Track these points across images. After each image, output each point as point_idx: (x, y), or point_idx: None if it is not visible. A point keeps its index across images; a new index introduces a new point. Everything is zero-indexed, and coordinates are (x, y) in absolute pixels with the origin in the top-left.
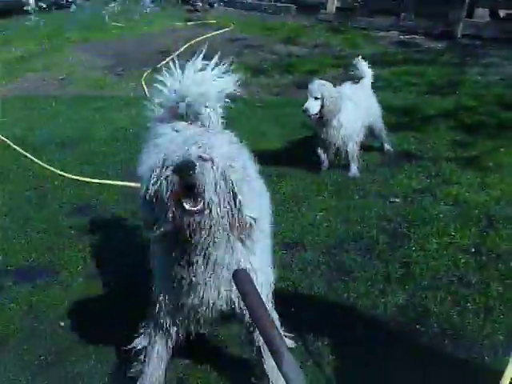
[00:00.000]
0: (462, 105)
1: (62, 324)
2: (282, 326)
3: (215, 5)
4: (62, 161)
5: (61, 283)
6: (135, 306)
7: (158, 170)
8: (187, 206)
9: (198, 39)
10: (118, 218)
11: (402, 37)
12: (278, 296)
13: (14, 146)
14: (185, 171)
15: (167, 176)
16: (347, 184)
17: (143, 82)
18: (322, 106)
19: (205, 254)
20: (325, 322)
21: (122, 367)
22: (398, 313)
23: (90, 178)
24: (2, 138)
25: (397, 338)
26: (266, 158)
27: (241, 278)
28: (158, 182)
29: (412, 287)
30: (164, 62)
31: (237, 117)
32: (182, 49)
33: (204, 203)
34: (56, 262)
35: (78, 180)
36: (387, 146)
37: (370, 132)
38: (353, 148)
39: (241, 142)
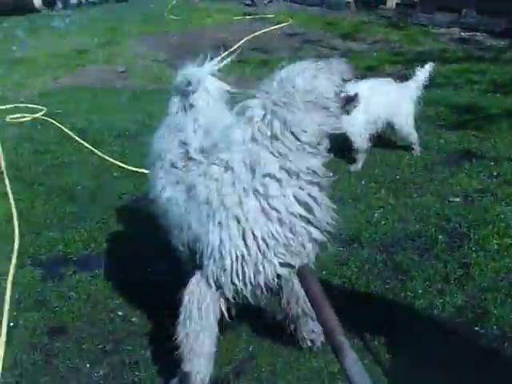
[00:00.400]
0: None
1: (120, 313)
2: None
3: None
4: (121, 153)
5: (119, 273)
6: None
7: None
8: None
9: (256, 33)
10: None
11: (463, 34)
12: (336, 292)
13: (75, 137)
14: None
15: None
16: (405, 182)
17: None
18: None
19: None
20: (381, 321)
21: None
22: (456, 314)
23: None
24: (64, 128)
25: (454, 340)
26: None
27: (305, 275)
28: None
29: (471, 288)
30: (222, 56)
31: None
32: (240, 43)
33: None
34: (115, 252)
35: (137, 172)
36: (414, 147)
37: (391, 130)
38: (360, 143)
39: None
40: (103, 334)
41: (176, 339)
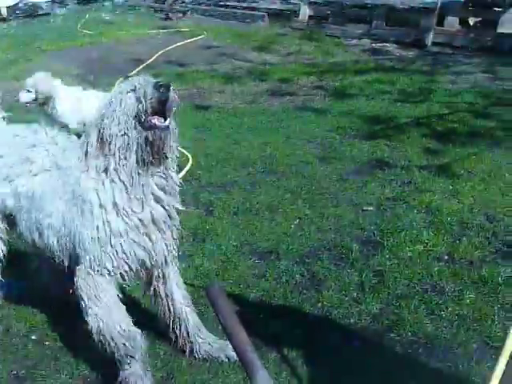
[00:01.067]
0: (434, 113)
1: (34, 337)
2: (255, 335)
3: (188, 13)
4: None
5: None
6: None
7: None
8: (157, 122)
9: (170, 47)
10: None
11: (374, 45)
12: (252, 305)
13: None
14: (164, 87)
15: (145, 91)
16: (321, 193)
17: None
18: None
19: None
20: (299, 333)
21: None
22: (372, 321)
23: None
24: None
25: (371, 347)
26: (239, 168)
27: (213, 293)
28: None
29: (386, 296)
30: (136, 71)
31: (210, 124)
32: (154, 57)
33: (170, 121)
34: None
35: None
36: None
37: None
38: None
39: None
40: (16, 360)
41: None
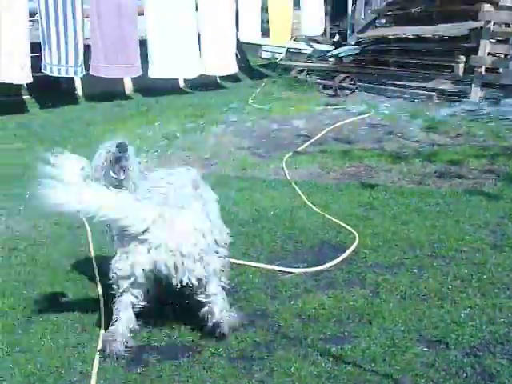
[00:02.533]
0: None
1: None
2: None
3: (356, 90)
4: None
5: (202, 363)
6: None
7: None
8: (113, 175)
9: (338, 124)
10: (255, 300)
11: None
12: None
13: None
14: (122, 146)
15: (109, 149)
16: (493, 282)
17: (284, 165)
18: None
19: None
20: None
21: None
22: None
23: (232, 258)
24: None
25: None
26: (407, 250)
27: None
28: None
29: None
30: (304, 146)
31: (377, 203)
32: (322, 133)
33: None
34: (197, 342)
35: None
36: None
37: None
38: None
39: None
40: None
41: None
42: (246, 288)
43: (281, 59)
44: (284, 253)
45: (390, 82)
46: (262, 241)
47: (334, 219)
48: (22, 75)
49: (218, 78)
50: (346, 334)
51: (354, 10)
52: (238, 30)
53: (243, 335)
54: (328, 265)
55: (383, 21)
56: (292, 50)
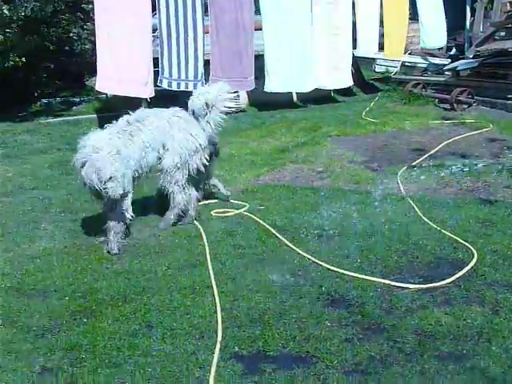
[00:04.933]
0: None
1: None
2: None
3: (474, 104)
4: (318, 251)
5: (317, 375)
6: None
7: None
8: None
9: (454, 138)
10: (370, 314)
11: None
12: None
13: (276, 234)
14: None
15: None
16: None
17: (398, 180)
18: None
19: None
20: None
21: None
22: None
23: (346, 270)
24: (265, 224)
25: None
26: None
27: None
28: None
29: None
30: (419, 160)
31: (496, 220)
32: (438, 147)
33: None
34: (312, 353)
35: (335, 271)
36: None
37: None
38: None
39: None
40: None
41: None
42: (360, 302)
43: (395, 73)
44: (399, 268)
45: (509, 96)
46: (376, 255)
47: (451, 235)
48: (145, 89)
49: (331, 92)
50: (464, 352)
51: (472, 23)
52: (354, 43)
53: (358, 348)
54: (446, 281)
55: (503, 33)
56: (407, 64)
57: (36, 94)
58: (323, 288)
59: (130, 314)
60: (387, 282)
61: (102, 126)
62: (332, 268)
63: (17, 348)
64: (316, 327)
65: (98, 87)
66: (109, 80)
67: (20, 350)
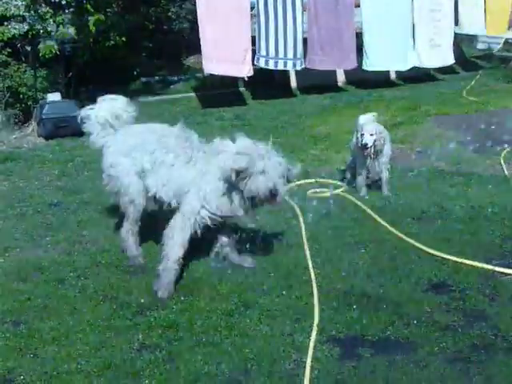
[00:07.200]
0: None
1: None
2: None
3: None
4: (417, 234)
5: (417, 362)
6: None
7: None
8: None
9: None
10: (472, 301)
11: None
12: None
13: (374, 215)
14: None
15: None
16: None
17: (502, 160)
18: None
19: None
20: None
21: None
22: None
23: (447, 254)
24: (362, 206)
25: None
26: None
27: None
28: None
29: None
30: None
31: None
32: None
33: None
34: (412, 339)
35: (435, 255)
36: None
37: None
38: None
39: None
40: None
41: None
42: (462, 287)
43: (498, 50)
44: (503, 253)
45: None
46: (478, 239)
47: None
48: (243, 69)
49: (431, 70)
50: None
51: None
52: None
53: (460, 336)
54: None
55: None
56: (510, 41)
57: (135, 73)
58: (423, 272)
59: (226, 293)
60: (490, 267)
61: (200, 105)
62: (432, 252)
63: (116, 324)
64: (416, 312)
65: (205, 69)
66: (212, 60)
67: (120, 326)
